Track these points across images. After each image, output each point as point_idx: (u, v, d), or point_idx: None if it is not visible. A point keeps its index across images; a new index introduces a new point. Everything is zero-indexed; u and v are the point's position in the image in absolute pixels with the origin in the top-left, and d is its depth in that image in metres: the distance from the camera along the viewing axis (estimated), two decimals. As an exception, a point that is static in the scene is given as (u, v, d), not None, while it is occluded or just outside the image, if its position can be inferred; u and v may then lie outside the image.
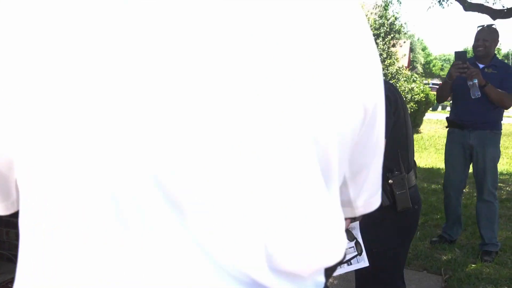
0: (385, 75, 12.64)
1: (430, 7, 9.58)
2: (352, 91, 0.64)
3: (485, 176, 4.18)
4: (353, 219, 2.22)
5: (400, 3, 13.30)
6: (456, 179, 4.36)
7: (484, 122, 4.10)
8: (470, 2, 8.29)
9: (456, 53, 4.00)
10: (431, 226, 5.14)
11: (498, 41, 4.15)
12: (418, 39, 61.27)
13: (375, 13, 13.52)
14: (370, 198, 0.85)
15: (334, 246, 0.67)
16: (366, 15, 13.55)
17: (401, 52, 14.44)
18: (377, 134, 0.75)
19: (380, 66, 0.73)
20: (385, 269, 2.31)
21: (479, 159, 4.19)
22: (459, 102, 4.24)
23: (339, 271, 2.27)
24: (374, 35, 12.65)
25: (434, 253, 4.32)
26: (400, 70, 13.61)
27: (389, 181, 2.19)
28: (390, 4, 13.16)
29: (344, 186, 0.79)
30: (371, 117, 0.70)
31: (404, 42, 14.27)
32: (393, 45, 13.40)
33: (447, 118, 4.45)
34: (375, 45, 0.72)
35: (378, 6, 13.23)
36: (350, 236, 2.26)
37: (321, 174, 0.62)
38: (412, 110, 14.01)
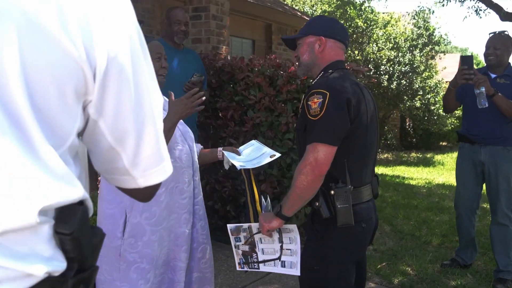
0: (422, 88, 12.19)
1: (466, 16, 9.15)
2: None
3: (498, 197, 3.82)
4: (288, 221, 2.11)
5: (433, 12, 12.75)
6: (467, 197, 4.02)
7: (496, 137, 3.76)
8: (507, 12, 7.87)
9: (462, 57, 3.68)
10: (447, 248, 4.79)
11: (511, 49, 3.79)
12: (471, 53, 59.42)
13: (413, 23, 13.08)
14: (149, 170, 0.87)
15: (13, 207, 0.70)
16: (403, 25, 13.21)
17: (441, 64, 13.91)
18: (137, 99, 0.80)
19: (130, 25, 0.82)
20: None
21: (491, 177, 3.84)
22: (468, 114, 3.92)
23: (269, 269, 2.24)
24: (411, 46, 12.32)
25: (442, 278, 3.99)
26: (439, 84, 13.10)
27: (331, 191, 2.04)
28: (428, 14, 12.69)
29: (113, 152, 0.83)
30: (113, 77, 0.77)
31: (444, 54, 13.71)
32: (432, 57, 12.91)
33: (457, 131, 4.13)
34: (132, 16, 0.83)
35: (417, 16, 12.79)
36: (280, 236, 2.18)
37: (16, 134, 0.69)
38: (452, 126, 13.46)
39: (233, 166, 2.53)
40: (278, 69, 4.32)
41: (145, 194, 0.96)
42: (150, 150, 0.85)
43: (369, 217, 2.17)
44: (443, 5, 10.50)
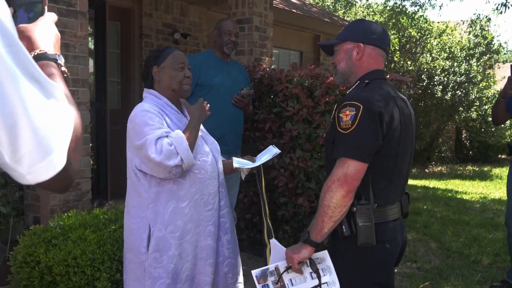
0: (479, 98, 11.70)
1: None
2: None
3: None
4: (318, 249, 1.98)
5: (489, 20, 12.18)
6: (518, 215, 3.78)
7: (547, 151, 3.52)
8: None
9: None
10: (498, 268, 4.52)
11: None
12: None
13: (469, 32, 12.61)
14: (34, 166, 0.82)
15: None
16: (460, 34, 12.77)
17: (500, 74, 13.31)
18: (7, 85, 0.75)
19: None
20: None
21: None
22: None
23: None
24: (467, 55, 11.87)
25: (489, 301, 3.75)
26: (498, 94, 12.52)
27: (353, 208, 1.93)
28: (485, 22, 12.20)
29: None
30: None
31: (503, 63, 13.13)
32: (490, 67, 12.38)
33: (508, 144, 3.90)
34: None
35: (473, 24, 12.33)
36: (313, 267, 2.02)
37: None
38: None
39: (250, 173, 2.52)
40: (317, 79, 4.24)
41: (54, 186, 0.89)
42: (30, 145, 0.80)
43: (394, 237, 2.05)
44: (500, 13, 10.06)
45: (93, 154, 5.82)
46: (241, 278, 2.57)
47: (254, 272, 2.06)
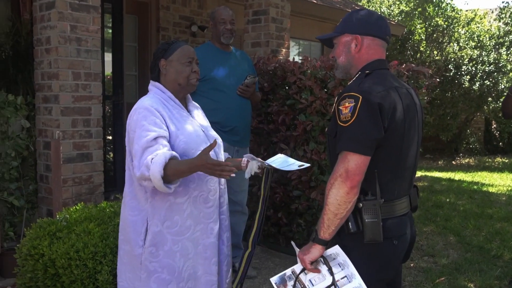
0: (509, 88, 11.35)
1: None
2: None
3: None
4: (328, 245, 1.94)
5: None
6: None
7: None
8: None
9: None
10: (520, 263, 4.37)
11: None
12: None
13: (500, 20, 12.23)
14: None
15: None
16: (489, 22, 12.40)
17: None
18: None
19: None
20: None
21: None
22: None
23: None
24: (496, 44, 11.52)
25: (507, 297, 3.64)
26: (530, 83, 12.14)
27: (359, 204, 1.87)
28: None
29: None
30: None
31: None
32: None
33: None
34: None
35: (502, 12, 11.94)
36: (327, 264, 1.95)
37: None
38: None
39: (254, 175, 2.43)
40: (330, 71, 4.16)
41: None
42: None
43: (403, 233, 1.99)
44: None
45: (110, 148, 5.88)
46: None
47: (273, 280, 2.03)
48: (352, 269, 1.91)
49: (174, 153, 2.11)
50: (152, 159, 2.06)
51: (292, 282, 1.98)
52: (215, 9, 3.92)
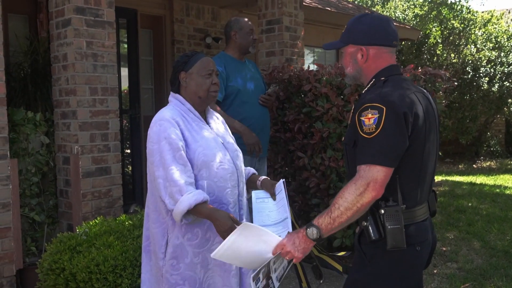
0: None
1: None
2: None
3: None
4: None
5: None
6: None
7: None
8: None
9: None
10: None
11: None
12: None
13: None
14: None
15: None
16: (506, 23, 12.25)
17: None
18: None
19: None
20: None
21: None
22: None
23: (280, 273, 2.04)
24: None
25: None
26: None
27: (381, 211, 1.84)
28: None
29: None
30: None
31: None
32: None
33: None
34: None
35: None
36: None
37: None
38: None
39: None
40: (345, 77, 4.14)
41: None
42: None
43: (424, 238, 1.95)
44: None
45: (129, 161, 5.92)
46: None
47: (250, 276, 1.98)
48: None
49: (205, 197, 2.15)
50: (180, 190, 2.12)
51: (263, 269, 1.93)
52: (237, 20, 3.89)
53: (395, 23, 8.31)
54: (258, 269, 1.93)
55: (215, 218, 2.12)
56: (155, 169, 2.19)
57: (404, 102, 1.82)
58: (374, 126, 1.79)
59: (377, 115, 1.79)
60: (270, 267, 1.98)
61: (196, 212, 2.14)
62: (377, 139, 1.78)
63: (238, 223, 2.09)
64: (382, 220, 1.84)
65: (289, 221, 2.19)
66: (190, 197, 2.10)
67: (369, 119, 1.80)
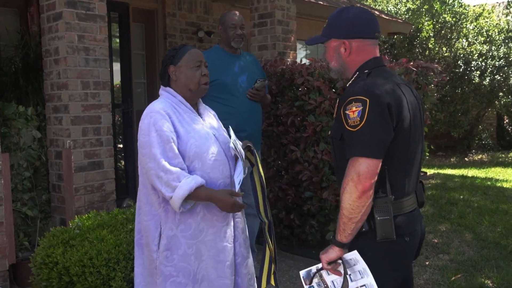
0: (520, 82, 11.25)
1: None
2: None
3: None
4: (348, 249, 1.92)
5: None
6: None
7: None
8: None
9: None
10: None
11: None
12: None
13: (507, 14, 12.13)
14: None
15: None
16: (497, 16, 12.30)
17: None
18: None
19: None
20: None
21: None
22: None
23: None
24: (506, 38, 11.43)
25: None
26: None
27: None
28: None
29: None
30: None
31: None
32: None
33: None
34: None
35: (509, 5, 11.83)
36: (344, 270, 1.93)
37: None
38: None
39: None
40: (337, 71, 4.14)
41: None
42: None
43: (413, 229, 1.97)
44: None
45: (122, 156, 5.91)
46: (254, 277, 2.54)
47: (302, 273, 2.04)
48: (371, 279, 1.87)
49: (201, 181, 2.19)
50: (178, 177, 2.15)
51: (316, 280, 1.99)
52: (224, 14, 3.90)
53: (387, 17, 8.29)
54: (307, 270, 2.03)
55: (217, 199, 2.21)
56: (147, 161, 2.19)
57: (388, 94, 1.83)
58: (359, 119, 1.80)
59: (361, 108, 1.80)
60: (326, 281, 2.00)
61: (195, 197, 2.17)
62: (361, 132, 1.79)
63: (239, 195, 2.27)
64: (372, 212, 1.85)
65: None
66: (189, 181, 2.14)
67: (353, 112, 1.81)
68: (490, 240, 4.79)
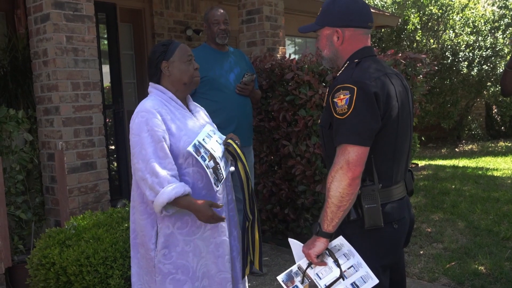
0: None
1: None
2: None
3: None
4: (332, 237, 1.92)
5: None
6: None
7: None
8: None
9: None
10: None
11: None
12: None
13: (493, 4, 12.23)
14: None
15: None
16: (483, 7, 12.40)
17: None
18: None
19: None
20: None
21: None
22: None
23: None
24: (492, 28, 11.52)
25: (519, 277, 3.64)
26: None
27: (357, 191, 1.86)
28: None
29: None
30: None
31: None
32: (517, 38, 11.96)
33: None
34: None
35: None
36: (332, 256, 1.94)
37: None
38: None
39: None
40: (327, 64, 4.17)
41: None
42: None
43: (402, 216, 1.99)
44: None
45: (114, 157, 5.90)
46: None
47: (280, 278, 2.01)
48: (357, 258, 1.90)
49: (185, 190, 2.17)
50: (161, 182, 2.14)
51: (299, 278, 1.97)
52: (207, 11, 3.92)
53: (374, 10, 8.34)
54: (286, 272, 2.00)
55: (195, 210, 2.18)
56: (136, 161, 2.19)
57: (375, 83, 1.85)
58: (346, 107, 1.82)
59: (349, 95, 1.82)
60: (314, 279, 1.96)
61: (176, 204, 2.17)
62: (349, 119, 1.81)
63: (219, 207, 2.25)
64: (359, 200, 1.87)
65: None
66: (169, 191, 2.12)
67: (341, 100, 1.83)
68: (482, 228, 4.85)
